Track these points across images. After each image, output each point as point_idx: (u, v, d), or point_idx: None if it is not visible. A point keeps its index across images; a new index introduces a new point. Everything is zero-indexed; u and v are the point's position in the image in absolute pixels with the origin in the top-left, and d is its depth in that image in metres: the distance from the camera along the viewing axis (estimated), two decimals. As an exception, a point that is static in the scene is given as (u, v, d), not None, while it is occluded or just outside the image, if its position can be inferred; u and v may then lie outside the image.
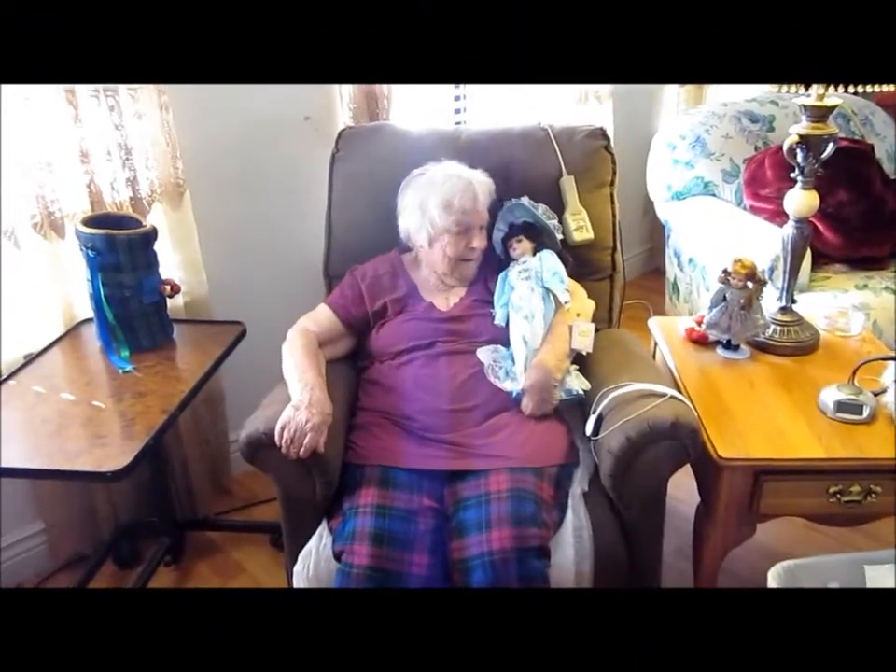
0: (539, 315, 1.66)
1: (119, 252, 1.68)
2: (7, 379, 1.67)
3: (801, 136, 1.67)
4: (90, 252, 1.68)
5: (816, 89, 1.62)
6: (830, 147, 1.68)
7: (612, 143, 1.96)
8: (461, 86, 2.68)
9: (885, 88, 1.65)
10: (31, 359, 1.75)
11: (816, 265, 2.38)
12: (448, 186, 1.70)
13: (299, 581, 1.44)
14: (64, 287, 1.85)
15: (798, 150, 1.69)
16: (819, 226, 2.40)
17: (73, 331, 1.86)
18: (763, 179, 2.58)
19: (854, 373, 1.58)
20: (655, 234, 3.59)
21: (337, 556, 1.40)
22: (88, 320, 1.86)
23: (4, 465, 1.39)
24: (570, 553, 1.40)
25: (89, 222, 1.70)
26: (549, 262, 1.73)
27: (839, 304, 2.07)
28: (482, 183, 1.74)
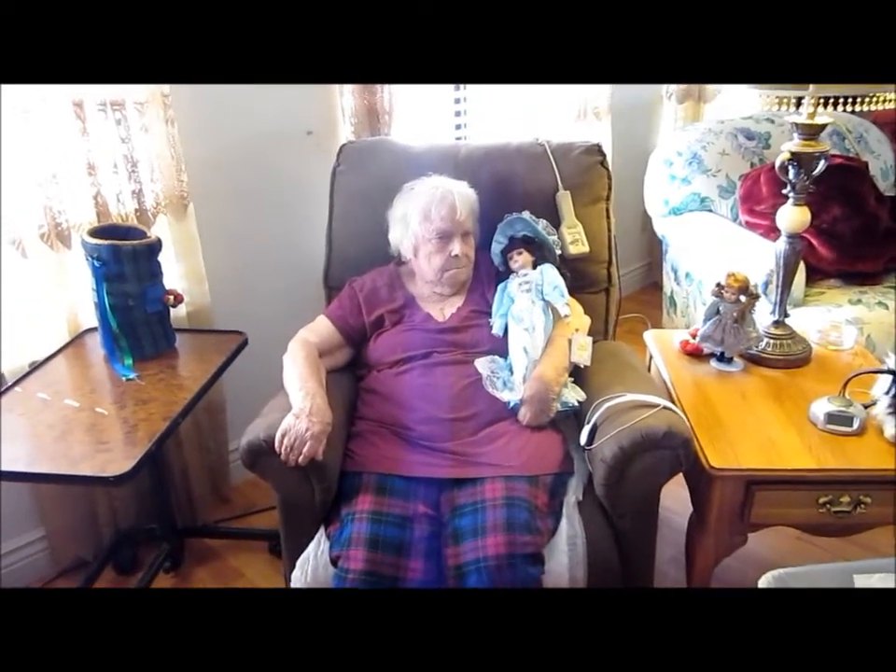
0: (539, 326, 1.69)
1: (124, 262, 1.72)
2: (12, 386, 1.70)
3: (792, 153, 1.71)
4: (95, 262, 1.71)
5: (806, 107, 1.66)
6: (821, 165, 1.71)
7: (609, 159, 2.00)
8: (461, 102, 2.72)
9: (880, 106, 1.69)
10: (36, 367, 1.78)
11: (811, 280, 2.40)
12: (427, 196, 1.75)
13: (296, 587, 1.46)
14: (70, 296, 1.88)
15: (790, 167, 1.73)
16: (814, 242, 2.43)
17: (77, 340, 1.89)
18: (759, 195, 2.61)
19: (845, 386, 1.60)
20: (653, 250, 3.61)
21: (334, 562, 1.42)
22: (92, 329, 1.89)
23: (8, 469, 1.42)
24: (564, 561, 1.42)
25: (95, 233, 1.74)
26: (550, 276, 1.76)
27: (832, 318, 2.10)
28: (461, 194, 1.77)
